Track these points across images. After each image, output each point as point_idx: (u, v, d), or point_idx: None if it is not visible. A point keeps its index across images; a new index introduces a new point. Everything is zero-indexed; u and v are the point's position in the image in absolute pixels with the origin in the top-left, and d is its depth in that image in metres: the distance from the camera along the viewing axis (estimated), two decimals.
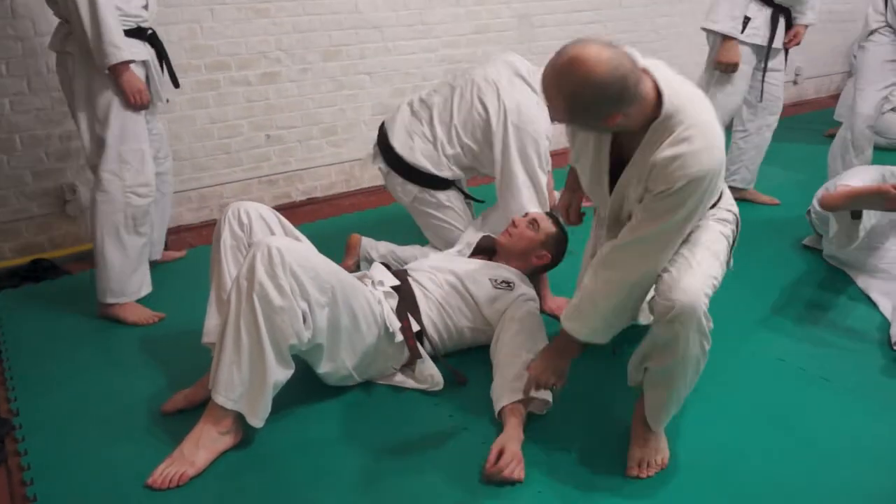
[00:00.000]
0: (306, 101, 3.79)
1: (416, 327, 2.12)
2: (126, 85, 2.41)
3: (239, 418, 1.83)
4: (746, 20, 3.22)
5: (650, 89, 1.52)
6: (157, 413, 2.01)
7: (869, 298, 2.62)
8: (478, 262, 2.38)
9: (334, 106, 3.89)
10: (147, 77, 2.56)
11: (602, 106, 1.46)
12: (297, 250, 1.80)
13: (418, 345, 2.12)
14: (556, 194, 3.00)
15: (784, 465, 1.79)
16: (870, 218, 2.51)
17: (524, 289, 2.31)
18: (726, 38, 3.21)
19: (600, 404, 2.05)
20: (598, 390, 2.12)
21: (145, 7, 2.51)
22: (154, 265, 3.04)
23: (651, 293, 1.68)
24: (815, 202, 2.80)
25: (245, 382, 1.78)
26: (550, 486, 1.73)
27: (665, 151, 1.53)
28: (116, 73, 2.39)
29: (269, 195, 3.81)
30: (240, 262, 1.96)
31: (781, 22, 3.29)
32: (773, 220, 3.38)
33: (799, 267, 2.92)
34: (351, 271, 2.65)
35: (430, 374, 2.11)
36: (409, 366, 2.15)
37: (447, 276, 2.25)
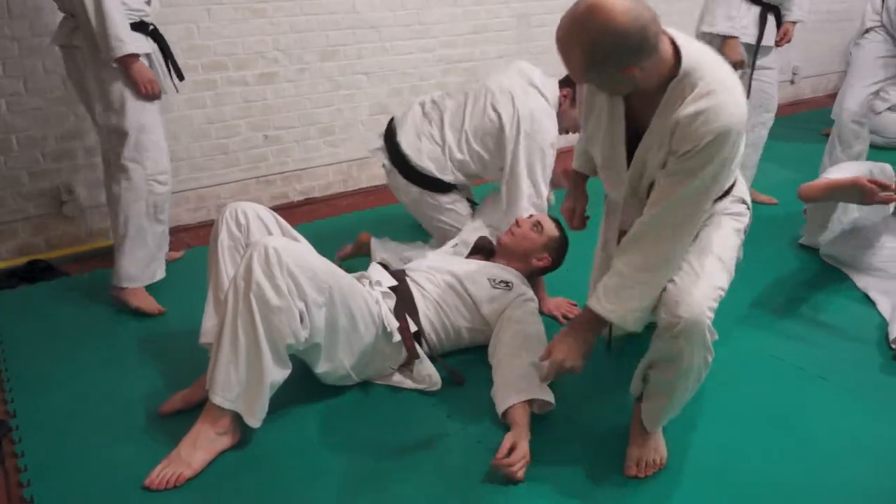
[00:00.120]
0: (304, 101, 3.78)
1: (413, 327, 2.12)
2: (137, 75, 2.46)
3: (236, 418, 1.82)
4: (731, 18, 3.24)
5: (667, 46, 1.50)
6: (155, 414, 2.01)
7: (868, 297, 2.62)
8: (476, 262, 2.38)
9: (332, 106, 3.89)
10: None
11: (622, 55, 1.42)
12: (295, 250, 1.80)
13: (416, 345, 2.11)
14: (552, 196, 3.00)
15: (782, 464, 1.79)
16: (847, 211, 2.51)
17: (523, 289, 2.31)
18: (726, 38, 3.22)
19: (599, 404, 2.05)
20: (597, 390, 2.11)
21: (147, 2, 2.54)
22: None
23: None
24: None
25: (242, 382, 1.77)
26: (549, 486, 1.73)
27: (688, 108, 1.49)
28: (125, 65, 2.44)
29: (266, 195, 3.81)
30: (237, 262, 1.96)
31: (771, 20, 3.30)
32: (771, 219, 3.38)
33: (796, 265, 2.92)
34: (345, 261, 2.65)
35: (427, 374, 2.11)
36: (407, 366, 2.14)
37: (445, 276, 2.25)
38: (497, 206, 2.74)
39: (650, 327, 1.72)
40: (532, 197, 2.60)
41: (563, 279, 2.63)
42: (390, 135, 2.84)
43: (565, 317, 2.51)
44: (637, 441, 1.79)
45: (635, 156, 1.65)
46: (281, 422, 1.95)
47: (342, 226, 3.53)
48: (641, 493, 1.72)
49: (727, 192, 1.78)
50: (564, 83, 2.75)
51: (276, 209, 2.27)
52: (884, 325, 2.42)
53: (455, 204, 2.83)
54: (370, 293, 2.04)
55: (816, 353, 2.28)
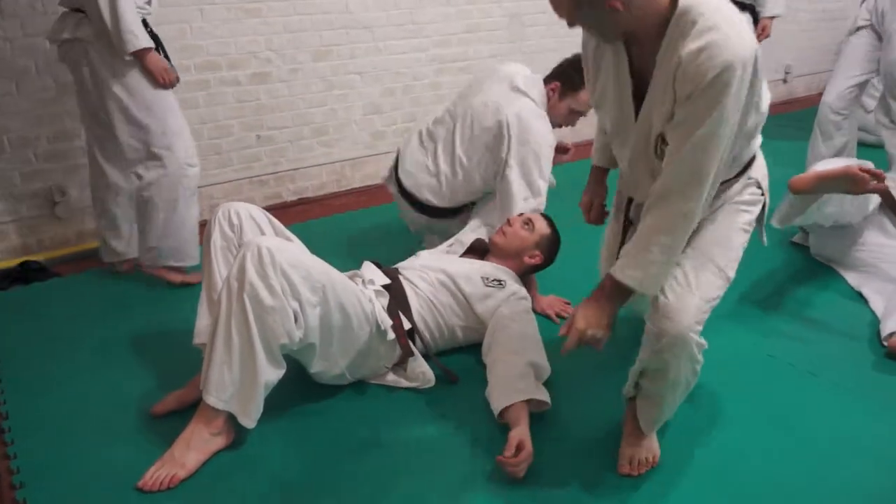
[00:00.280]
0: (297, 101, 3.78)
1: (407, 325, 2.12)
2: (152, 66, 2.57)
3: (230, 419, 1.82)
4: None
5: None
6: (148, 414, 2.00)
7: (861, 295, 2.63)
8: (469, 261, 2.38)
9: (325, 106, 3.89)
10: None
11: None
12: (288, 250, 1.79)
13: (410, 343, 2.11)
14: (553, 180, 3.00)
15: (778, 462, 1.80)
16: (825, 205, 2.51)
17: (516, 287, 2.32)
18: None
19: (592, 403, 2.06)
20: (591, 389, 2.12)
21: (148, 2, 2.61)
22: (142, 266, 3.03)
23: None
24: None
25: (236, 382, 1.77)
26: (543, 484, 1.73)
27: (689, 45, 1.41)
28: (140, 57, 2.55)
29: (259, 195, 3.80)
30: (230, 262, 1.95)
31: (748, 18, 3.33)
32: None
33: (788, 264, 2.93)
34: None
35: (421, 371, 2.11)
36: (400, 364, 2.14)
37: (438, 274, 2.25)
38: (494, 218, 2.74)
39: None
40: (528, 198, 2.59)
41: (556, 278, 2.64)
42: (396, 167, 2.89)
43: (558, 315, 2.52)
44: (629, 440, 1.79)
45: (641, 111, 1.59)
46: (275, 422, 1.95)
47: (335, 226, 3.53)
48: (635, 491, 1.72)
49: (743, 172, 1.71)
50: (550, 78, 2.76)
51: (270, 209, 2.26)
52: (875, 322, 2.43)
53: (462, 226, 2.82)
54: (363, 292, 2.04)
55: (809, 351, 2.29)
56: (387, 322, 2.04)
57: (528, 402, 1.91)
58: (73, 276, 3.01)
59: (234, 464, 1.82)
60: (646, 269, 1.56)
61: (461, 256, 2.49)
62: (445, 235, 2.76)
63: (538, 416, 1.93)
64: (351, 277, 2.14)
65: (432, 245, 2.74)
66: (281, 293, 1.73)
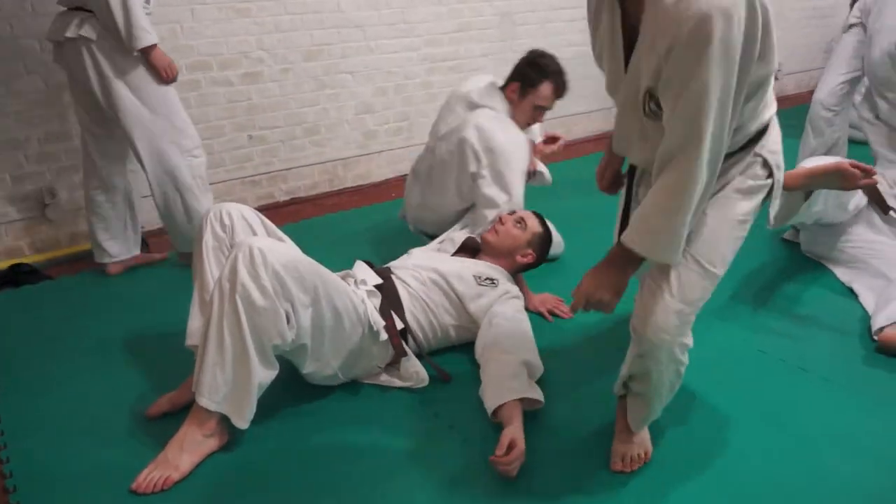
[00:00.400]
0: (289, 100, 3.77)
1: (400, 325, 2.12)
2: (157, 62, 2.66)
3: (223, 420, 1.82)
4: None
5: None
6: (142, 417, 2.00)
7: (851, 291, 2.65)
8: (461, 260, 2.38)
9: (317, 105, 3.88)
10: None
11: None
12: (280, 250, 1.79)
13: (403, 342, 2.11)
14: (546, 174, 3.00)
15: (770, 457, 1.80)
16: (816, 202, 2.52)
17: (508, 286, 2.32)
18: None
19: (584, 401, 2.06)
20: (583, 387, 2.12)
21: (148, 1, 2.66)
22: (135, 267, 3.03)
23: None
24: None
25: (229, 384, 1.77)
26: (536, 482, 1.74)
27: None
28: (147, 53, 2.63)
29: (252, 196, 3.79)
30: (222, 263, 1.95)
31: None
32: None
33: (778, 260, 2.94)
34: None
35: (415, 370, 2.11)
36: (393, 364, 2.14)
37: (431, 273, 2.25)
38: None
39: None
40: (504, 201, 2.60)
41: (550, 280, 2.65)
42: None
43: (551, 312, 2.52)
44: (621, 437, 1.80)
45: (630, 64, 1.52)
46: (269, 423, 1.95)
47: (328, 226, 3.53)
48: (627, 488, 1.72)
49: (748, 145, 1.60)
50: (509, 80, 2.79)
51: (262, 209, 2.27)
52: (866, 317, 2.45)
53: None
54: (356, 292, 2.04)
55: (800, 347, 2.30)
56: (379, 323, 2.04)
57: (522, 400, 1.91)
58: (64, 279, 3.00)
59: (227, 465, 1.81)
60: (649, 233, 1.52)
61: (453, 255, 2.49)
62: None
63: (531, 415, 1.94)
64: (343, 277, 2.14)
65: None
66: (273, 294, 1.73)
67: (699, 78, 1.34)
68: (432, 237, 2.82)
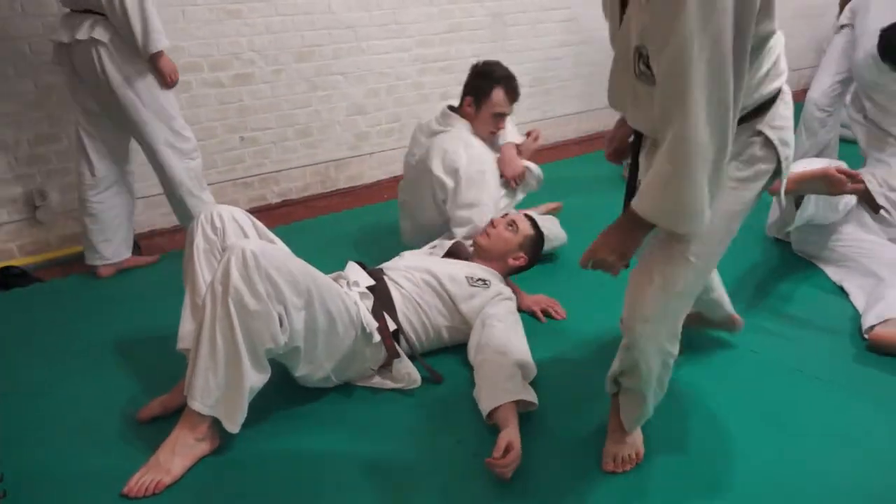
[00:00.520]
0: (280, 102, 3.76)
1: (392, 326, 2.11)
2: (165, 66, 2.71)
3: (215, 424, 1.81)
4: None
5: None
6: (133, 420, 1.99)
7: (842, 290, 2.66)
8: (454, 262, 2.38)
9: (309, 107, 3.87)
10: None
11: None
12: (273, 254, 1.78)
13: (395, 344, 2.11)
14: (539, 174, 3.02)
15: (764, 457, 1.81)
16: (807, 207, 2.54)
17: (501, 287, 2.32)
18: None
19: (578, 402, 2.06)
20: (577, 389, 2.12)
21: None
22: (125, 270, 3.02)
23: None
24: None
25: (221, 387, 1.76)
26: (531, 484, 1.74)
27: None
28: (155, 57, 2.68)
29: (244, 197, 3.78)
30: (213, 265, 1.94)
31: None
32: None
33: (770, 260, 2.95)
34: None
35: (407, 372, 2.11)
36: (386, 366, 2.14)
37: (423, 274, 2.25)
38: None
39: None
40: (480, 214, 2.65)
41: (543, 282, 2.65)
42: None
43: (545, 312, 2.52)
44: (613, 437, 1.81)
45: (623, 18, 1.47)
46: (261, 426, 1.94)
47: (320, 227, 3.52)
48: (621, 489, 1.73)
49: (749, 119, 1.50)
50: (462, 96, 2.84)
51: (254, 211, 2.26)
52: (857, 316, 2.46)
53: None
54: (348, 294, 2.04)
55: (793, 346, 2.31)
56: (372, 325, 2.04)
57: (516, 402, 1.91)
58: (54, 281, 2.98)
59: (219, 469, 1.81)
60: (650, 198, 1.47)
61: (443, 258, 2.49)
62: None
63: (525, 416, 1.93)
64: (335, 279, 2.14)
65: None
66: (266, 297, 1.72)
67: (677, 32, 1.26)
68: None
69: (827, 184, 2.31)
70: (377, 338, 2.04)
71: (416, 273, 2.26)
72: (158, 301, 2.69)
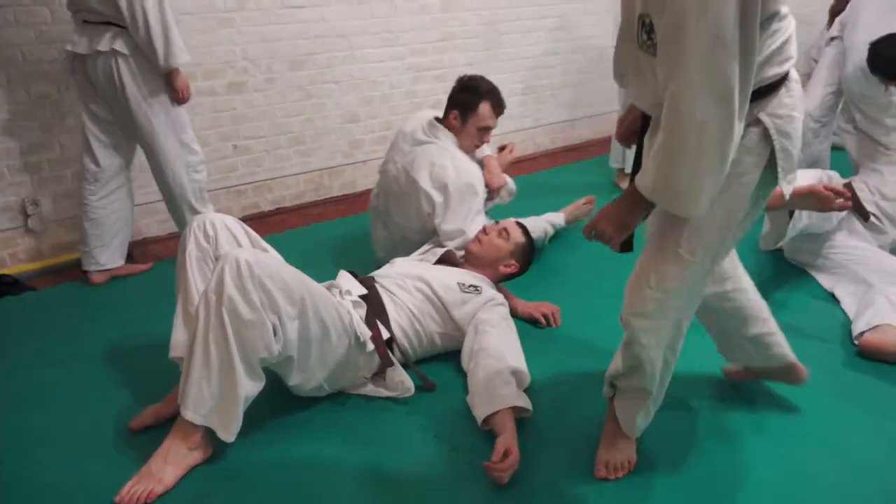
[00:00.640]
0: (274, 110, 3.77)
1: (386, 334, 2.11)
2: (180, 82, 2.76)
3: (208, 433, 1.80)
4: None
5: None
6: (125, 429, 1.98)
7: (833, 296, 2.67)
8: (445, 268, 2.39)
9: (302, 115, 3.88)
10: None
11: None
12: (267, 262, 1.78)
13: (388, 352, 2.11)
14: (511, 185, 3.04)
15: (757, 466, 1.82)
16: (801, 219, 2.57)
17: (492, 293, 2.33)
18: None
19: (572, 409, 2.07)
20: (570, 395, 2.13)
21: None
22: (118, 278, 3.01)
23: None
24: None
25: (215, 397, 1.76)
26: (526, 491, 1.74)
27: None
28: (172, 72, 2.73)
29: (237, 206, 3.78)
30: (206, 274, 1.94)
31: None
32: None
33: (762, 267, 2.96)
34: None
35: (400, 380, 2.11)
36: (379, 374, 2.14)
37: (415, 281, 2.26)
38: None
39: None
40: (464, 238, 2.65)
41: (537, 288, 2.65)
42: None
43: (545, 316, 2.52)
44: (606, 443, 1.81)
45: None
46: (253, 434, 1.93)
47: (313, 235, 3.52)
48: (614, 495, 1.73)
49: (758, 98, 1.41)
50: (448, 109, 2.84)
51: (247, 219, 2.26)
52: (848, 322, 2.47)
53: None
54: (341, 303, 2.04)
55: None
56: (366, 333, 2.04)
57: (512, 408, 1.91)
58: (47, 290, 2.97)
59: (211, 478, 1.80)
60: (646, 172, 1.44)
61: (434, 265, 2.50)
62: None
63: (518, 423, 1.94)
64: (327, 288, 2.14)
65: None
66: (260, 306, 1.72)
67: (675, 5, 1.24)
68: None
69: (815, 200, 2.34)
70: (371, 346, 2.04)
71: (408, 280, 2.26)
72: (151, 309, 2.69)
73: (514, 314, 2.49)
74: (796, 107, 1.47)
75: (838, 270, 2.76)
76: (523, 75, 4.69)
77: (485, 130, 2.83)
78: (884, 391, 2.12)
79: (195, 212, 2.93)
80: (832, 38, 3.49)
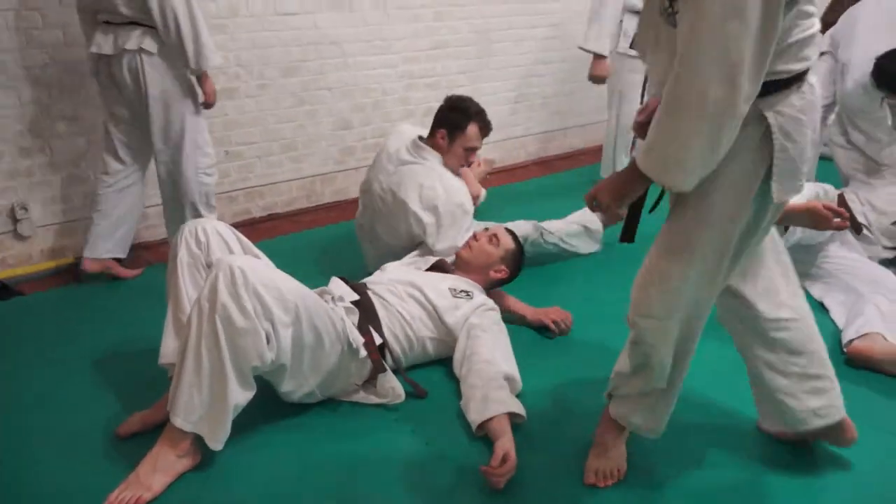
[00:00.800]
0: (266, 116, 3.77)
1: (378, 340, 2.11)
2: (209, 87, 2.78)
3: (197, 440, 1.79)
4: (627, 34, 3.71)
5: None
6: (113, 436, 1.96)
7: (823, 306, 2.69)
8: (436, 274, 2.40)
9: (294, 121, 3.88)
10: None
11: None
12: (260, 270, 1.78)
13: (381, 359, 2.11)
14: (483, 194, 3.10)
15: (747, 470, 1.82)
16: (794, 232, 2.59)
17: (483, 298, 2.35)
18: (596, 55, 3.77)
19: (564, 416, 2.07)
20: (562, 402, 2.13)
21: None
22: (109, 282, 3.00)
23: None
24: None
25: (205, 405, 1.75)
26: (519, 498, 1.74)
27: None
28: (203, 74, 2.74)
29: (229, 212, 3.77)
30: (197, 280, 1.94)
31: None
32: None
33: None
34: None
35: (391, 386, 2.10)
36: (370, 381, 2.13)
37: (407, 287, 2.26)
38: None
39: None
40: (450, 249, 2.65)
41: (535, 294, 2.65)
42: None
43: (555, 322, 2.52)
44: (596, 451, 1.82)
45: None
46: (243, 441, 1.92)
47: (305, 242, 3.52)
48: (608, 501, 1.73)
49: (765, 93, 1.38)
50: (435, 127, 2.84)
51: (239, 225, 2.26)
52: (837, 331, 2.49)
53: None
54: (334, 310, 2.04)
55: None
56: (359, 340, 2.03)
57: (507, 413, 1.91)
58: (36, 295, 2.95)
59: (200, 485, 1.79)
60: (646, 150, 1.43)
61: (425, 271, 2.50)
62: None
63: (511, 428, 1.94)
64: (319, 294, 2.13)
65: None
66: (254, 314, 1.71)
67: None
68: None
69: (812, 219, 2.33)
70: (363, 353, 2.04)
71: (400, 286, 2.26)
72: (141, 315, 2.67)
73: (524, 321, 2.50)
74: (805, 111, 1.43)
75: (829, 280, 2.78)
76: (515, 83, 4.70)
77: (471, 151, 2.85)
78: (871, 398, 2.14)
79: (198, 215, 2.91)
80: (822, 53, 3.52)
